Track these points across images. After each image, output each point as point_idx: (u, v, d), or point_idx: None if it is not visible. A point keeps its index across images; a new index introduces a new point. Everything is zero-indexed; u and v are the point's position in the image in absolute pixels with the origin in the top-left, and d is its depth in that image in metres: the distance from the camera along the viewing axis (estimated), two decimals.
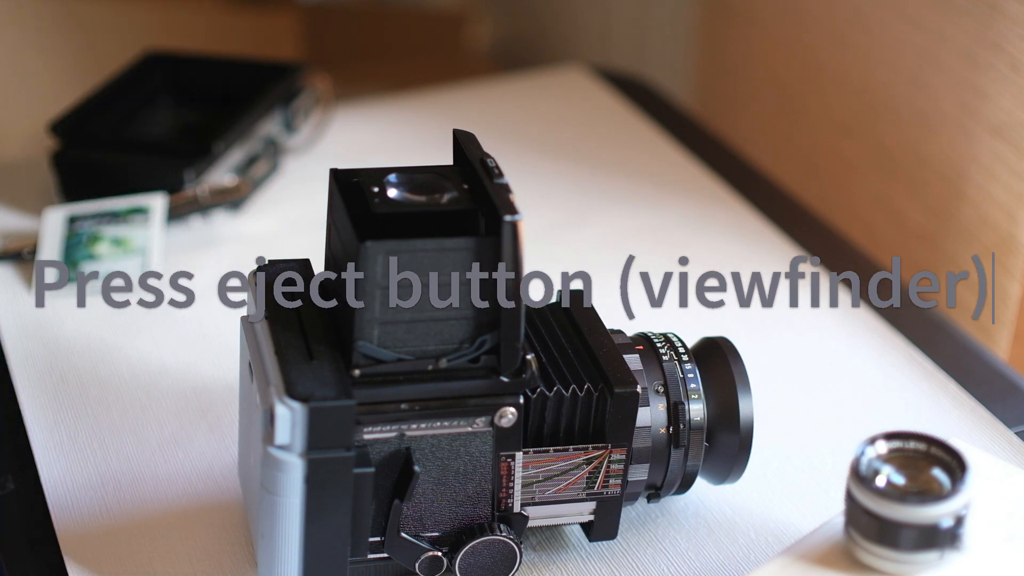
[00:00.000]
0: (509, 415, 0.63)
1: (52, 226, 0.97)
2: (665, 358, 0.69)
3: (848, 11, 1.11)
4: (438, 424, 0.62)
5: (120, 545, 0.71)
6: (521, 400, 0.63)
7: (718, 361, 0.70)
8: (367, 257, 0.59)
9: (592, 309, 0.70)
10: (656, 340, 0.70)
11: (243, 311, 0.78)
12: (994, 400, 0.82)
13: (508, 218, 0.59)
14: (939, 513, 0.57)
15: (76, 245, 0.96)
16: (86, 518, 0.72)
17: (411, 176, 0.63)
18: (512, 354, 0.62)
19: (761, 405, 0.81)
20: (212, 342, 0.88)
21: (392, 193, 0.62)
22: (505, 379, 0.62)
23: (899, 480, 0.59)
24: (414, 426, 0.62)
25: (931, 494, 0.58)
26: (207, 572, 0.69)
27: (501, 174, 0.62)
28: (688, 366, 0.69)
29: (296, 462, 0.60)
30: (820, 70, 1.16)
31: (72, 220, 0.98)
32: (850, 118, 1.13)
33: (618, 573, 0.69)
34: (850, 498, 0.59)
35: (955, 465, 0.59)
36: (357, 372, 0.61)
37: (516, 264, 0.60)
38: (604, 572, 0.69)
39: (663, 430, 0.67)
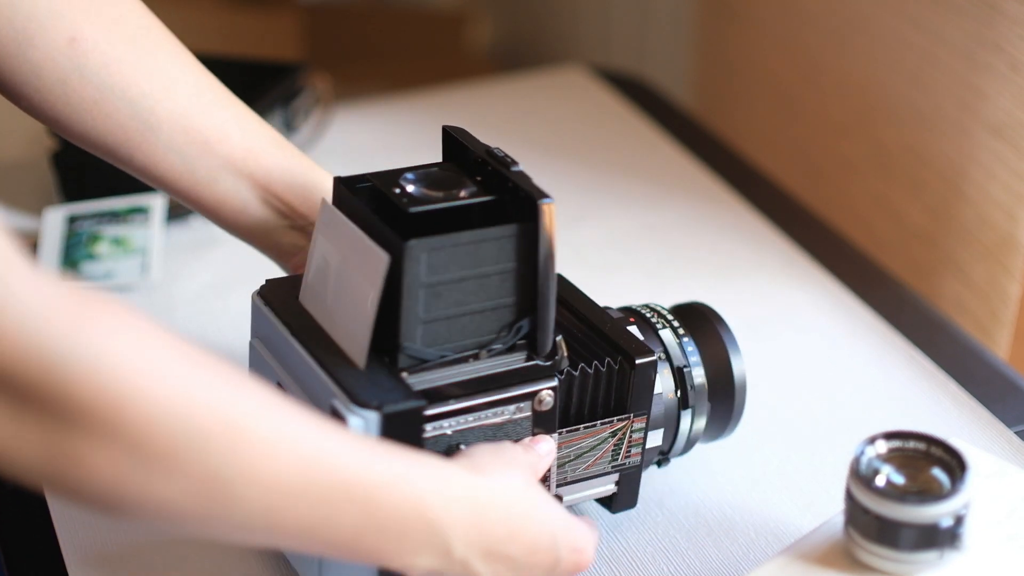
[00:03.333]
0: (547, 398, 0.64)
1: (52, 226, 0.97)
2: (658, 326, 0.70)
3: (848, 11, 1.11)
4: (484, 415, 0.63)
5: (120, 545, 0.71)
6: (556, 382, 0.64)
7: (706, 326, 0.72)
8: (411, 257, 0.59)
9: (575, 287, 0.72)
10: (644, 311, 0.72)
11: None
12: (994, 400, 0.82)
13: (543, 201, 0.60)
14: (939, 513, 0.57)
15: (76, 245, 0.96)
16: (86, 518, 0.72)
17: (426, 173, 0.64)
18: (546, 337, 0.63)
19: (761, 405, 0.81)
20: (212, 342, 0.88)
21: (413, 191, 0.63)
22: (542, 363, 0.63)
23: (899, 480, 0.60)
24: (462, 420, 0.62)
25: (931, 494, 0.58)
26: (208, 571, 0.69)
27: (515, 161, 0.63)
28: (681, 331, 0.71)
29: None
30: (820, 70, 1.16)
31: (72, 220, 0.98)
32: (850, 118, 1.13)
33: (618, 573, 0.69)
34: (850, 498, 0.59)
35: (955, 465, 0.59)
36: (405, 374, 0.61)
37: (550, 246, 0.61)
38: (604, 572, 0.69)
39: (672, 394, 0.69)
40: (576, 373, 0.65)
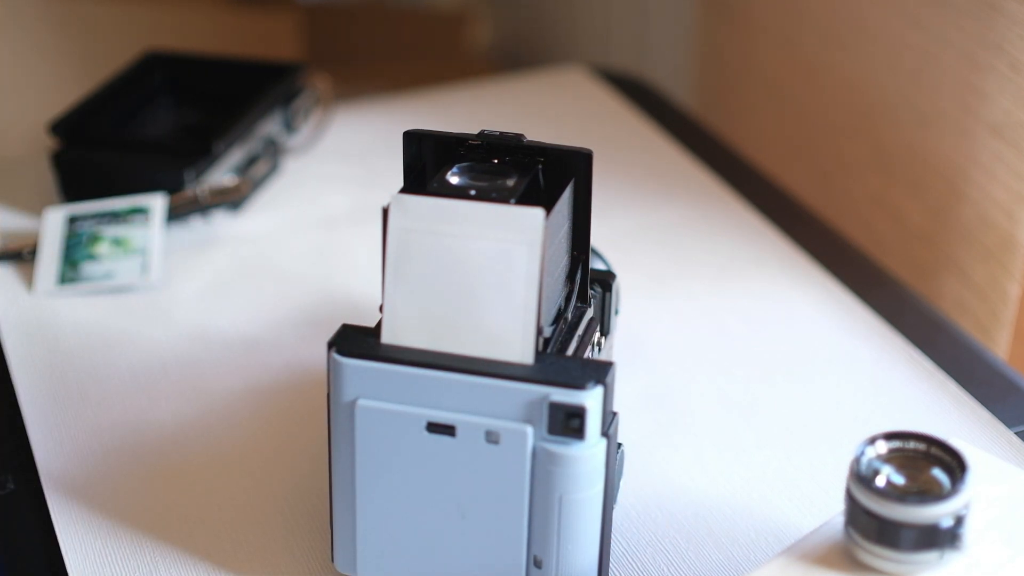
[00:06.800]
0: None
1: (52, 226, 0.97)
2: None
3: (848, 11, 1.11)
4: None
5: (121, 545, 0.71)
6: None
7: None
8: (546, 223, 0.59)
9: None
10: None
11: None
12: (994, 400, 0.82)
13: (587, 151, 0.64)
14: (939, 513, 0.57)
15: (76, 245, 0.96)
16: (86, 518, 0.72)
17: (460, 169, 0.65)
18: (586, 287, 0.67)
19: (761, 405, 0.81)
20: (212, 342, 0.88)
21: (467, 183, 0.64)
22: (592, 314, 0.67)
23: (899, 480, 0.59)
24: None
25: (931, 494, 0.58)
26: (207, 572, 0.69)
27: (520, 134, 0.65)
28: None
29: (600, 449, 0.60)
30: (820, 70, 1.16)
31: (72, 220, 0.98)
32: (850, 118, 1.13)
33: (618, 573, 0.69)
34: (850, 498, 0.59)
35: (955, 465, 0.59)
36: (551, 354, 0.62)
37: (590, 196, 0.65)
38: None
39: None
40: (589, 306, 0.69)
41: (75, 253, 0.95)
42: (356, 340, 0.62)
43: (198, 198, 0.99)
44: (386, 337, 0.61)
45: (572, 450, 0.59)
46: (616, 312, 0.72)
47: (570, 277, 0.67)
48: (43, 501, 0.74)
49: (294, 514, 0.73)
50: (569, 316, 0.66)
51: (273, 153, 1.08)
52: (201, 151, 1.00)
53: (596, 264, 0.79)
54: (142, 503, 0.74)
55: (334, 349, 0.61)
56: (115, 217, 0.97)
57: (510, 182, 0.63)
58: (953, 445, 0.60)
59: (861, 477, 0.59)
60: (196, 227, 1.01)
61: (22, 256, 0.97)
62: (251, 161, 1.06)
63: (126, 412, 0.81)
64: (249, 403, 0.82)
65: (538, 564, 0.63)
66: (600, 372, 0.60)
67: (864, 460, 0.60)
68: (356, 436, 0.62)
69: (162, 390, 0.83)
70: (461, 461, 0.61)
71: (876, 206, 1.12)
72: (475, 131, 0.66)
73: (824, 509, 0.73)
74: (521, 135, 0.65)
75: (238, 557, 0.70)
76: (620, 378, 0.81)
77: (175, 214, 0.99)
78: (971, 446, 0.67)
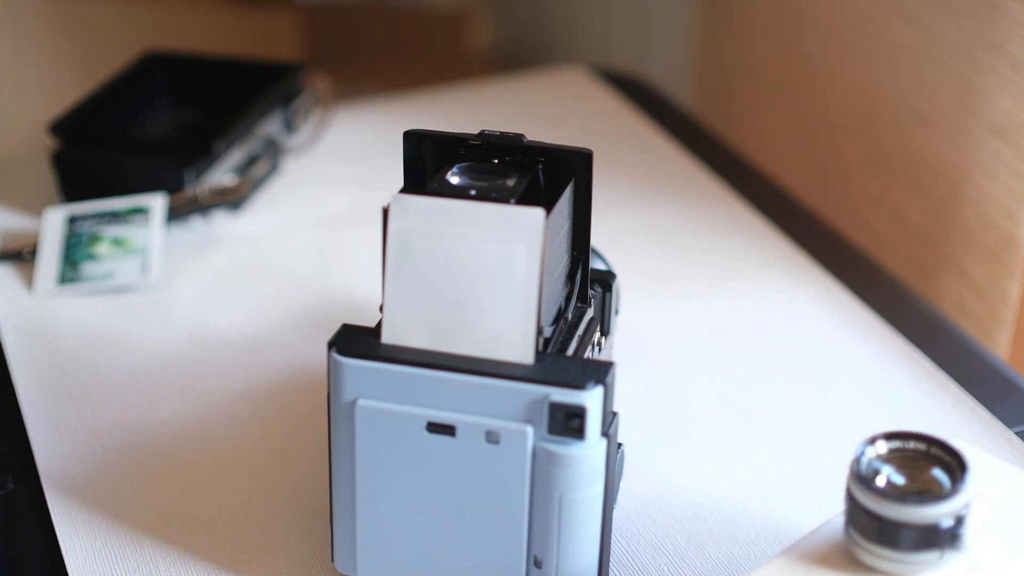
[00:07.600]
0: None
1: (52, 226, 0.97)
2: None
3: (848, 11, 1.11)
4: None
5: (121, 545, 0.71)
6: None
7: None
8: (546, 223, 0.59)
9: None
10: None
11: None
12: (994, 400, 0.82)
13: (587, 151, 0.64)
14: (939, 513, 0.57)
15: (76, 245, 0.96)
16: (86, 518, 0.72)
17: (460, 169, 0.65)
18: (586, 287, 0.67)
19: (761, 405, 0.81)
20: (212, 342, 0.88)
21: (467, 183, 0.64)
22: (592, 314, 0.67)
23: (899, 480, 0.59)
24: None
25: (931, 494, 0.58)
26: (207, 572, 0.69)
27: (520, 134, 0.65)
28: None
29: (600, 449, 0.60)
30: (820, 71, 1.16)
31: (72, 220, 0.98)
32: (850, 118, 1.13)
33: (618, 573, 0.69)
34: (850, 498, 0.59)
35: (955, 465, 0.59)
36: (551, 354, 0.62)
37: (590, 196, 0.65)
38: None
39: None
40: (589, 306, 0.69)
41: (75, 253, 0.95)
42: (356, 340, 0.62)
43: (198, 198, 0.99)
44: (386, 337, 0.61)
45: (572, 450, 0.59)
46: (616, 312, 0.72)
47: (570, 277, 0.67)
48: (43, 501, 0.74)
49: (294, 514, 0.73)
50: (569, 316, 0.66)
51: (273, 153, 1.08)
52: (201, 151, 1.00)
53: (596, 264, 0.79)
54: (142, 503, 0.74)
55: (334, 349, 0.61)
56: (115, 217, 0.97)
57: (510, 182, 0.63)
58: (953, 445, 0.60)
59: (861, 477, 0.59)
60: (196, 227, 1.01)
61: (22, 256, 0.97)
62: (251, 161, 1.06)
63: (126, 412, 0.81)
64: (249, 403, 0.82)
65: (538, 564, 0.63)
66: (600, 372, 0.59)
67: (864, 460, 0.60)
68: (356, 436, 0.62)
69: (162, 390, 0.83)
70: (461, 461, 0.61)
71: (876, 206, 1.12)
72: (475, 131, 0.66)
73: (824, 509, 0.73)
74: (521, 135, 0.65)
75: (238, 557, 0.70)
76: (620, 378, 0.81)
77: (175, 214, 0.99)
78: (971, 446, 0.67)
